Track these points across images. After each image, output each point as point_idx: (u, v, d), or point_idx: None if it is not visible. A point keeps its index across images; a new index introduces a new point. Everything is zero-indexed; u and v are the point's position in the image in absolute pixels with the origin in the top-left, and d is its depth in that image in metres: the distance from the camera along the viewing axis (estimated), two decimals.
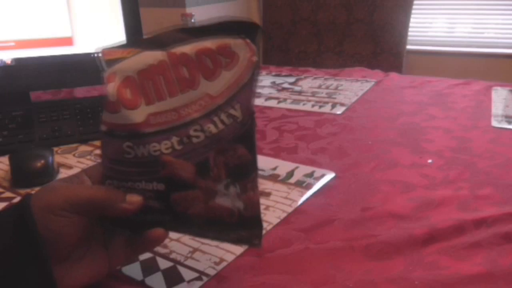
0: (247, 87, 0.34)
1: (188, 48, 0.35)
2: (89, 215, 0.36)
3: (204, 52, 0.34)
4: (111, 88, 0.36)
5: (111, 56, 0.37)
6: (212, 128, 0.35)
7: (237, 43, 0.34)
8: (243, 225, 0.36)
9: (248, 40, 0.34)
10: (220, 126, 0.35)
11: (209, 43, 0.34)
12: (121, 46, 0.37)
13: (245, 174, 0.35)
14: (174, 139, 0.35)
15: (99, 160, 0.68)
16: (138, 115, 0.35)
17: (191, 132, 0.35)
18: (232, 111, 0.34)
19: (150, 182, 0.36)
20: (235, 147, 0.35)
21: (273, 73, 1.23)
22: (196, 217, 0.36)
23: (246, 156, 0.35)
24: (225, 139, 0.35)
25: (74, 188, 0.37)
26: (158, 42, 0.36)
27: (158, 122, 0.35)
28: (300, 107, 0.93)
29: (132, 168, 0.37)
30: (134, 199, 0.37)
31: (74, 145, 0.75)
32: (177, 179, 0.36)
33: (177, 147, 0.35)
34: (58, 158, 0.69)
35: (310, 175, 0.62)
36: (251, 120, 0.34)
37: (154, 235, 0.38)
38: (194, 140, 0.35)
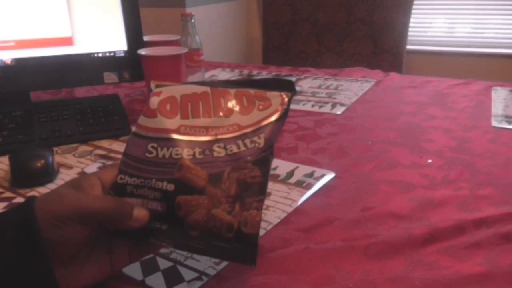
0: (274, 125, 0.39)
1: (231, 90, 0.41)
2: (94, 226, 0.36)
3: (243, 94, 0.41)
4: (154, 100, 0.41)
5: (160, 83, 0.43)
6: (234, 148, 0.38)
7: (272, 94, 0.41)
8: (239, 242, 0.36)
9: (282, 93, 0.40)
10: (242, 148, 0.38)
11: (250, 90, 0.41)
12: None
13: (254, 193, 0.36)
14: (197, 149, 0.38)
15: (99, 160, 0.68)
16: (172, 123, 0.40)
17: (214, 148, 0.38)
18: (255, 138, 0.38)
19: (161, 181, 0.37)
20: (251, 168, 0.37)
21: (273, 73, 1.23)
22: (194, 227, 0.36)
23: (259, 178, 0.37)
24: (243, 159, 0.38)
25: (82, 199, 0.36)
26: (205, 83, 0.42)
27: (187, 133, 0.39)
28: (300, 107, 0.93)
29: (148, 167, 0.38)
30: (141, 216, 0.37)
31: (74, 145, 0.75)
32: (189, 184, 0.37)
33: (198, 156, 0.38)
34: (58, 158, 0.69)
35: (310, 175, 0.62)
36: (270, 152, 0.38)
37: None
38: (215, 154, 0.38)
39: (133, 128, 0.41)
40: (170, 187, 0.37)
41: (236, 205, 0.36)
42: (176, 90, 0.42)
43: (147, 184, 0.38)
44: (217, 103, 0.40)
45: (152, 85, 0.43)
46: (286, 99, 0.40)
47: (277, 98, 0.40)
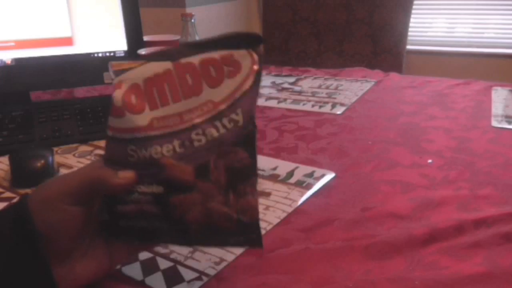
0: (249, 94, 0.35)
1: (194, 59, 0.36)
2: (86, 201, 0.36)
3: (209, 62, 0.36)
4: (117, 94, 0.37)
5: (119, 67, 0.38)
6: (213, 132, 0.35)
7: (240, 54, 0.36)
8: (241, 231, 0.36)
9: (250, 50, 0.35)
10: (222, 130, 0.35)
11: (214, 54, 0.36)
12: (129, 59, 0.38)
13: (244, 177, 0.35)
14: (176, 142, 0.36)
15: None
16: (142, 119, 0.36)
17: (193, 136, 0.35)
18: (233, 116, 0.35)
19: (150, 184, 0.36)
20: (236, 151, 0.35)
21: (273, 73, 1.23)
22: (193, 224, 0.36)
23: (246, 159, 0.35)
24: (226, 142, 0.35)
25: (66, 178, 0.37)
26: (166, 55, 0.38)
27: (161, 126, 0.36)
28: (300, 107, 0.93)
29: (134, 171, 0.37)
30: (126, 174, 0.36)
31: (74, 145, 0.75)
32: (176, 182, 0.36)
33: (178, 149, 0.36)
34: (58, 158, 0.69)
35: (310, 175, 0.62)
36: (252, 125, 0.35)
37: None
38: (196, 143, 0.35)
39: (107, 131, 0.38)
40: (159, 189, 0.36)
41: (229, 194, 0.35)
42: (137, 73, 0.37)
43: (138, 189, 0.37)
44: (183, 81, 0.36)
45: (110, 69, 0.39)
46: (256, 57, 0.35)
47: (246, 58, 0.35)
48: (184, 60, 0.37)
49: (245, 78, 0.35)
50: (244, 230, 0.36)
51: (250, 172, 0.35)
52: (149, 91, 0.37)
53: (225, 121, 0.35)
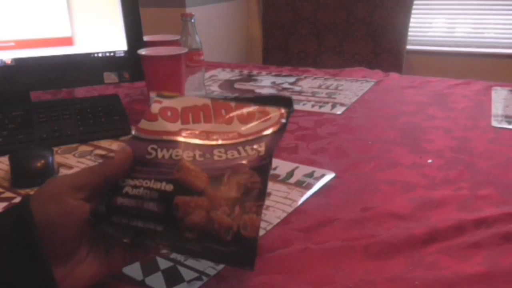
0: (274, 136, 0.40)
1: (231, 103, 0.43)
2: (88, 195, 0.36)
3: (243, 106, 0.43)
4: (155, 106, 0.43)
5: (161, 93, 0.44)
6: (235, 153, 0.39)
7: (272, 108, 0.42)
8: (238, 245, 0.35)
9: (281, 108, 0.42)
10: (243, 154, 0.39)
11: (250, 104, 0.43)
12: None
13: (253, 198, 0.36)
14: (197, 152, 0.39)
15: (100, 160, 0.68)
16: (173, 127, 0.41)
17: (215, 152, 0.39)
18: (256, 146, 0.39)
19: (159, 181, 0.37)
20: (251, 173, 0.37)
21: (273, 73, 1.23)
22: (191, 229, 0.36)
23: (258, 184, 0.37)
24: (244, 164, 0.38)
25: (69, 174, 0.38)
26: (206, 97, 0.44)
27: (188, 136, 0.40)
28: (300, 107, 0.93)
29: (147, 168, 0.38)
30: (123, 149, 0.38)
31: (74, 145, 0.75)
32: (188, 185, 0.37)
33: (198, 158, 0.38)
34: (58, 158, 0.69)
35: (310, 175, 0.62)
36: (269, 160, 0.39)
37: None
38: (216, 157, 0.38)
39: (133, 132, 0.41)
40: (169, 187, 0.37)
41: (236, 208, 0.36)
42: (177, 102, 0.43)
43: (145, 184, 0.37)
44: (217, 112, 0.42)
45: (152, 94, 0.44)
46: (285, 114, 0.42)
47: (276, 112, 0.42)
48: (222, 101, 0.43)
49: (272, 124, 0.41)
50: (240, 245, 0.35)
51: (259, 195, 0.37)
52: (185, 115, 0.42)
53: (248, 148, 0.39)
